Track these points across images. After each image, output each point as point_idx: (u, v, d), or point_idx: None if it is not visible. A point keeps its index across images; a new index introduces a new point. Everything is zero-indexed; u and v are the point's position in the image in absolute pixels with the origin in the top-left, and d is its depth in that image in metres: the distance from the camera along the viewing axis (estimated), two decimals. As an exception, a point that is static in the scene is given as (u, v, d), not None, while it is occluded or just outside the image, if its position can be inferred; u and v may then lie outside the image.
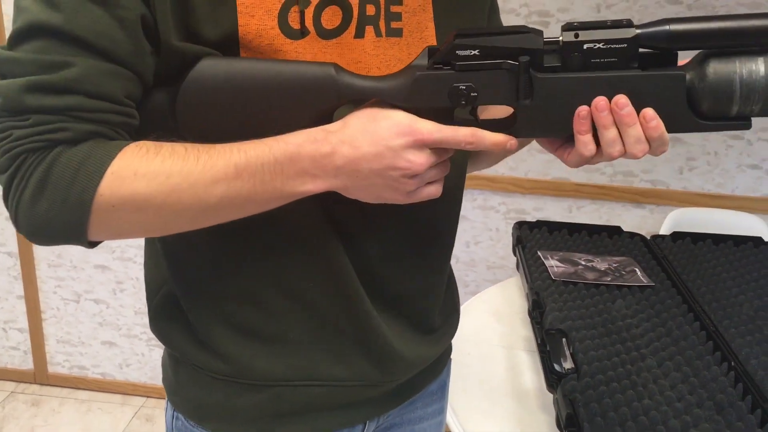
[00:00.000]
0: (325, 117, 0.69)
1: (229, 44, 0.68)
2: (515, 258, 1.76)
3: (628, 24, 0.66)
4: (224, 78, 0.67)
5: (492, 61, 0.67)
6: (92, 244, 0.68)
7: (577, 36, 0.66)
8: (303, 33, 0.70)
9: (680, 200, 2.10)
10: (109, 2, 0.63)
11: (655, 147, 0.67)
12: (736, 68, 0.65)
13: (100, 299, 2.54)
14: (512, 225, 2.17)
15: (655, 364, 1.23)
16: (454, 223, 0.88)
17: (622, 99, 0.65)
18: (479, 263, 2.25)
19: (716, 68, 0.65)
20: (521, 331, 1.48)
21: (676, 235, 1.82)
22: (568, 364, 1.21)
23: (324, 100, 0.68)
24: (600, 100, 0.66)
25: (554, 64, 0.67)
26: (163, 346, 0.87)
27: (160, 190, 0.64)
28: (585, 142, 0.67)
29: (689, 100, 0.67)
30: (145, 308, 2.51)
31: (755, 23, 0.64)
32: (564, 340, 1.28)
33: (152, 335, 2.51)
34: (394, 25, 0.75)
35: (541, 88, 0.67)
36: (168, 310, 0.82)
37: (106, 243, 2.35)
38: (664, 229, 2.02)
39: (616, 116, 0.65)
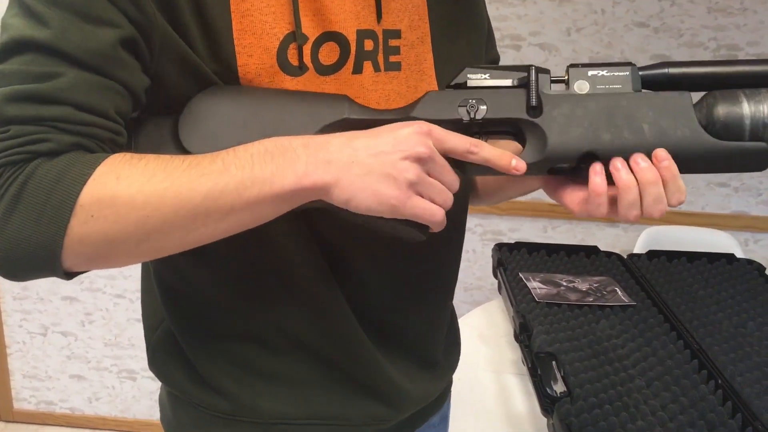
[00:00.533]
0: None
1: (230, 83, 0.67)
2: (494, 279, 1.76)
3: (630, 64, 0.67)
4: (234, 109, 0.66)
5: (501, 83, 0.67)
6: (68, 275, 0.62)
7: (581, 70, 0.67)
8: (302, 69, 0.69)
9: (653, 218, 2.13)
10: (101, 21, 0.61)
11: (670, 196, 0.66)
12: (743, 107, 0.66)
13: (68, 331, 2.47)
14: (488, 246, 2.18)
15: (644, 384, 1.24)
16: (456, 260, 0.87)
17: (662, 152, 0.64)
18: (457, 285, 2.25)
19: (723, 107, 0.66)
20: (508, 354, 1.47)
21: (652, 254, 1.84)
22: (560, 388, 1.21)
23: (335, 128, 0.67)
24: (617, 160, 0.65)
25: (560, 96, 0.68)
26: (160, 384, 0.85)
27: (142, 191, 0.59)
28: (597, 194, 0.65)
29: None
30: (115, 340, 2.45)
31: (749, 69, 0.66)
32: (554, 363, 1.28)
33: (123, 367, 2.45)
34: (392, 59, 0.75)
35: (550, 105, 0.66)
36: (167, 348, 0.80)
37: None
38: (639, 247, 2.05)
39: (659, 167, 0.65)
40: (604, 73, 0.67)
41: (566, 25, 2.00)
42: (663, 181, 0.64)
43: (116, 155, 0.61)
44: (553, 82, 0.67)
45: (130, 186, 0.59)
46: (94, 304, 2.42)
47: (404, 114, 0.67)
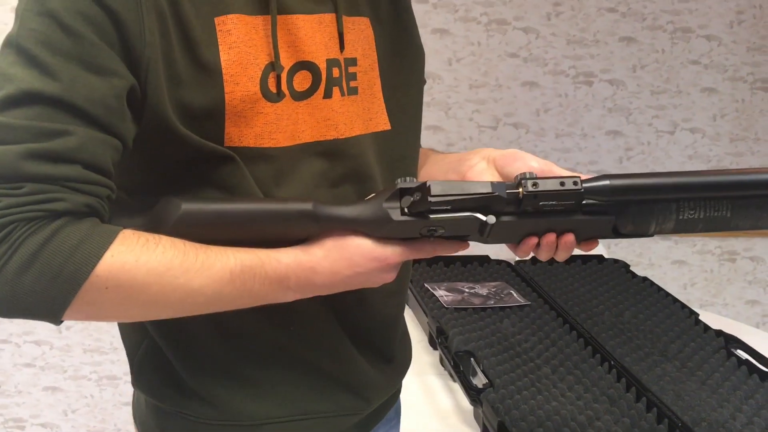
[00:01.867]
0: (308, 239, 0.75)
1: (217, 110, 0.72)
2: (399, 292, 1.87)
3: (577, 177, 0.75)
4: (212, 221, 0.71)
5: (462, 214, 0.73)
6: (60, 322, 0.65)
7: (536, 186, 0.73)
8: (279, 96, 0.75)
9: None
10: (105, 71, 0.64)
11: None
12: (652, 224, 0.76)
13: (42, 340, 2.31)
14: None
15: (550, 371, 1.39)
16: (409, 269, 0.98)
17: (567, 238, 0.76)
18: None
19: (637, 223, 0.76)
20: (424, 357, 1.58)
21: (535, 259, 2.03)
22: (481, 380, 1.33)
23: (306, 233, 0.74)
24: (547, 241, 0.76)
25: (511, 210, 0.74)
26: (137, 403, 0.87)
27: (159, 281, 0.65)
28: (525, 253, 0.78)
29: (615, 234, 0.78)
30: (0, 387, 2.32)
31: (678, 180, 0.76)
32: (472, 359, 1.41)
33: (8, 417, 2.32)
34: (352, 84, 0.83)
35: (500, 227, 0.75)
36: (153, 363, 0.83)
37: None
38: (522, 255, 2.24)
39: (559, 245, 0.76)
40: (553, 203, 0.74)
41: (546, 10, 2.16)
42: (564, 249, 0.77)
43: (128, 232, 0.66)
44: (509, 194, 0.74)
45: (148, 273, 0.65)
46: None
47: (372, 216, 0.74)
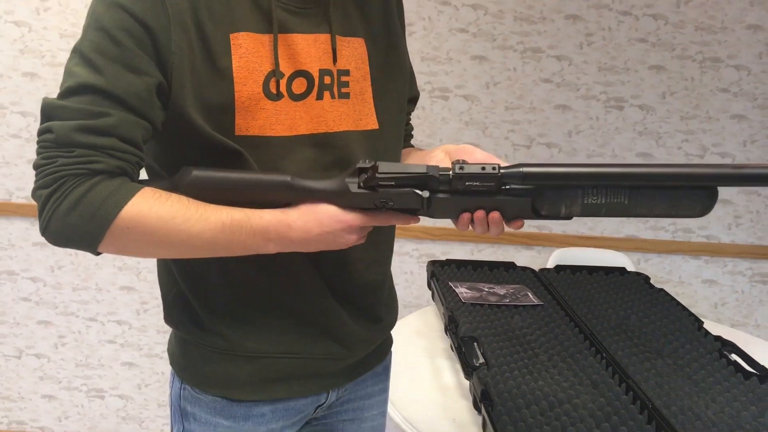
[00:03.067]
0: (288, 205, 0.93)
1: (228, 105, 0.91)
2: (429, 292, 2.04)
3: (497, 165, 0.91)
4: (215, 185, 0.90)
5: (404, 189, 0.92)
6: (98, 254, 0.88)
7: (462, 169, 0.90)
8: (279, 96, 0.95)
9: (561, 242, 2.46)
10: (140, 71, 0.85)
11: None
12: (561, 207, 0.91)
13: (42, 353, 2.61)
14: (424, 268, 2.47)
15: (546, 359, 1.53)
16: (391, 239, 1.15)
17: (495, 215, 0.92)
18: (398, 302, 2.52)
19: (549, 207, 0.91)
20: (439, 344, 1.74)
21: (559, 268, 2.16)
22: (480, 361, 1.49)
23: (286, 199, 0.92)
24: (478, 216, 0.92)
25: (445, 188, 0.92)
26: (170, 337, 1.09)
27: (166, 226, 0.86)
28: (464, 226, 0.94)
29: (534, 214, 0.92)
30: (86, 360, 2.60)
31: (582, 170, 0.90)
32: (475, 344, 1.56)
33: (91, 387, 2.60)
34: (344, 90, 1.01)
35: (437, 202, 0.92)
36: (179, 305, 1.04)
37: (50, 299, 2.46)
38: (550, 264, 2.36)
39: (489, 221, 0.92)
40: (477, 184, 0.91)
41: (485, 79, 2.35)
42: (494, 224, 0.92)
43: (148, 189, 0.86)
44: (441, 176, 0.91)
45: (158, 219, 0.85)
46: (67, 327, 2.58)
47: (337, 188, 0.92)
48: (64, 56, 2.34)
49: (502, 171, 0.90)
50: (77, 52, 0.86)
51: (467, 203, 0.91)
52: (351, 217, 0.92)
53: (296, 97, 0.97)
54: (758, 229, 2.49)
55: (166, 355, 2.60)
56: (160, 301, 2.54)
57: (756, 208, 2.47)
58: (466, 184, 0.91)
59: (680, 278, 2.53)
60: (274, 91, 0.94)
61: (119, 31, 0.84)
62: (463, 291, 1.90)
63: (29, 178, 2.42)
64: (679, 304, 1.92)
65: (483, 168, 0.90)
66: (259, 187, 0.91)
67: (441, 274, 2.06)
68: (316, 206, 0.92)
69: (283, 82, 0.95)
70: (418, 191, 0.91)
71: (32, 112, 2.40)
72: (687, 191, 0.89)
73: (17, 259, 2.52)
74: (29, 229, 2.49)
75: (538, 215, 0.92)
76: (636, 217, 0.91)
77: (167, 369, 2.62)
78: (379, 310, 1.13)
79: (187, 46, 0.88)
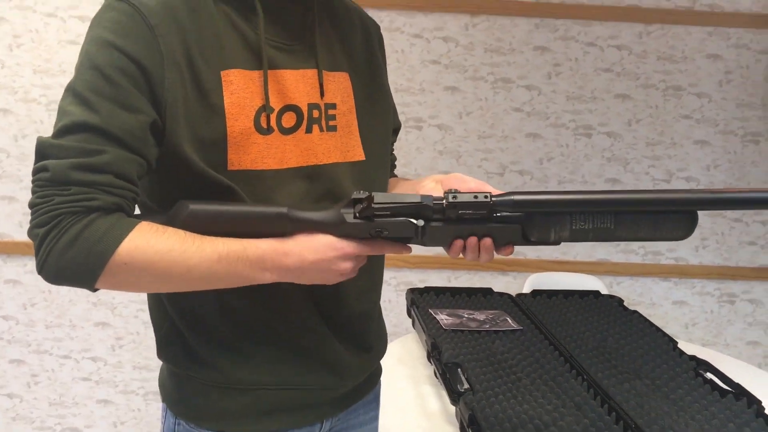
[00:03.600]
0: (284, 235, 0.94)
1: (221, 140, 0.92)
2: (408, 320, 2.05)
3: (489, 194, 0.94)
4: (212, 218, 0.91)
5: (399, 219, 0.94)
6: (95, 290, 0.87)
7: (455, 198, 0.93)
8: (269, 130, 0.96)
9: (536, 267, 2.50)
10: (134, 109, 0.85)
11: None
12: (551, 232, 0.94)
13: (14, 393, 2.55)
14: (402, 295, 2.48)
15: (529, 383, 1.54)
16: (381, 268, 1.17)
17: (487, 242, 0.94)
18: (375, 331, 2.52)
19: (539, 233, 0.95)
20: (422, 371, 1.75)
21: (535, 292, 2.18)
22: (465, 386, 1.50)
23: (283, 230, 0.93)
24: (470, 243, 0.94)
25: (438, 217, 0.94)
26: (161, 371, 1.08)
27: (163, 259, 0.86)
28: (456, 253, 0.96)
29: (525, 240, 0.96)
30: (60, 399, 2.55)
31: (570, 198, 0.94)
32: (459, 369, 1.57)
33: (66, 426, 2.54)
34: (331, 123, 1.03)
35: (430, 231, 0.94)
36: (172, 339, 1.02)
37: (22, 338, 2.41)
38: (526, 289, 2.40)
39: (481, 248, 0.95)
40: (470, 212, 0.94)
41: (458, 109, 2.40)
42: (485, 251, 0.95)
43: (145, 224, 0.87)
44: (435, 205, 0.94)
45: (156, 253, 0.85)
46: (40, 366, 2.53)
47: (333, 218, 0.93)
48: (37, 92, 2.33)
49: (493, 199, 0.93)
50: (71, 91, 0.86)
51: (460, 231, 0.93)
52: (346, 245, 0.93)
53: (286, 131, 0.98)
54: (724, 250, 2.56)
55: (142, 391, 2.57)
56: (135, 336, 2.51)
57: (721, 230, 2.54)
58: (459, 212, 0.93)
59: (651, 300, 2.58)
60: (264, 125, 0.95)
61: (113, 69, 0.85)
62: (443, 318, 1.91)
63: (1, 214, 2.39)
64: (653, 325, 1.96)
65: (475, 197, 0.92)
66: (256, 219, 0.91)
67: (420, 301, 2.07)
68: (313, 236, 0.93)
69: (273, 117, 0.96)
70: (412, 220, 0.93)
71: (5, 149, 2.37)
72: (669, 216, 0.92)
73: (-12, 297, 2.47)
74: (0, 267, 2.44)
75: (528, 241, 0.94)
76: (621, 241, 0.94)
77: (143, 406, 2.58)
78: (370, 339, 1.14)
79: (179, 84, 0.89)
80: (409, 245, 0.96)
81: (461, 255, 0.96)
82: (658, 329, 1.91)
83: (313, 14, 1.01)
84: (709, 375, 1.63)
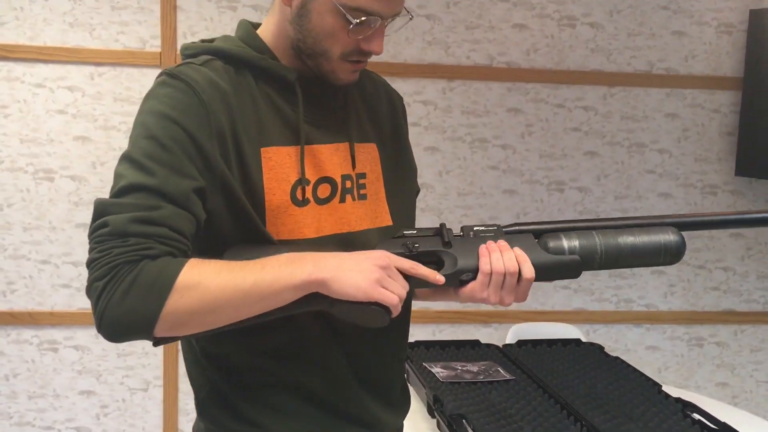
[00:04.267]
0: None
1: (259, 213, 0.98)
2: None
3: (497, 225, 1.06)
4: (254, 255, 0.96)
5: (427, 234, 1.04)
6: (156, 342, 0.90)
7: (470, 226, 1.05)
8: (305, 202, 1.02)
9: (516, 317, 2.58)
10: (186, 175, 0.92)
11: (523, 288, 1.01)
12: (563, 242, 1.05)
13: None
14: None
15: (530, 430, 1.60)
16: (405, 332, 1.20)
17: (503, 243, 1.02)
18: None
19: (553, 243, 1.05)
20: (423, 424, 1.78)
21: (521, 342, 2.26)
22: (472, 437, 1.54)
23: None
24: (491, 243, 1.02)
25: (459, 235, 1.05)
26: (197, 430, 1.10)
27: (214, 282, 0.88)
28: (485, 265, 1.01)
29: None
30: None
31: (570, 225, 1.07)
32: (464, 421, 1.62)
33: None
34: (362, 192, 1.09)
35: (455, 243, 1.03)
36: (213, 399, 1.06)
37: (4, 410, 2.35)
38: (509, 339, 2.47)
39: (501, 247, 1.02)
40: (482, 228, 1.05)
41: (438, 168, 2.50)
42: (516, 268, 1.01)
43: (194, 259, 0.91)
44: (455, 236, 1.04)
45: (206, 278, 0.89)
46: None
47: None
48: (24, 161, 2.35)
49: (504, 229, 1.05)
50: (127, 158, 0.92)
51: (481, 240, 1.03)
52: (380, 251, 0.97)
53: (322, 201, 1.04)
54: (690, 296, 2.69)
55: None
56: (121, 403, 2.48)
57: (687, 277, 2.68)
58: (474, 229, 1.04)
59: (626, 346, 2.69)
60: (300, 197, 1.01)
61: (168, 139, 0.91)
62: (438, 371, 1.96)
63: (-16, 282, 2.36)
64: (636, 370, 2.05)
65: (488, 226, 1.05)
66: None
67: (413, 355, 2.12)
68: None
69: (309, 189, 1.02)
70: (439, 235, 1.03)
71: (-11, 216, 2.37)
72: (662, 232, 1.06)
73: (-32, 367, 2.42)
74: (-19, 336, 2.40)
75: (545, 248, 1.03)
76: (624, 254, 1.05)
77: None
78: (397, 396, 1.18)
79: (224, 157, 0.95)
80: (440, 276, 1.00)
81: (488, 277, 1.00)
82: (641, 374, 2.00)
83: (345, 92, 1.08)
84: (696, 415, 1.72)
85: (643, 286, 2.65)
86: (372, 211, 1.11)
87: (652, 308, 2.67)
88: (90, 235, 0.90)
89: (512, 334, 2.50)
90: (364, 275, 0.93)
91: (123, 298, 0.85)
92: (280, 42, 1.04)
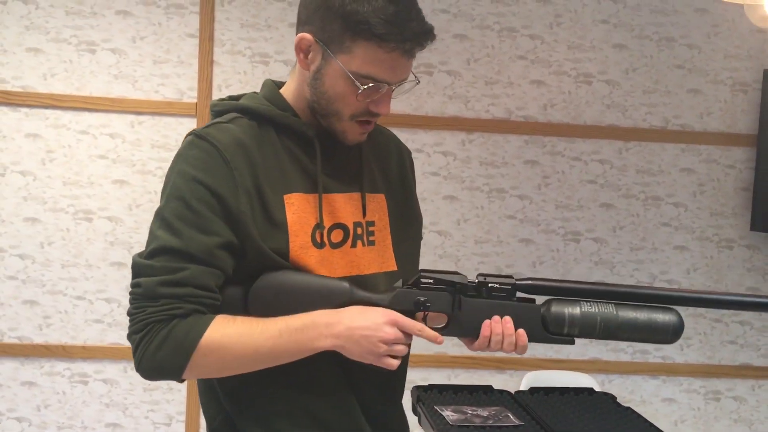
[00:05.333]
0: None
1: (282, 253, 1.08)
2: (415, 417, 2.14)
3: (511, 277, 1.13)
4: (279, 286, 1.07)
5: (440, 286, 1.11)
6: (182, 381, 1.04)
7: (485, 278, 1.12)
8: (322, 245, 1.11)
9: (531, 365, 2.61)
10: (211, 233, 1.03)
11: (520, 350, 1.11)
12: (565, 309, 1.12)
13: None
14: (407, 393, 2.56)
15: (535, 475, 1.64)
16: (404, 372, 1.30)
17: (508, 323, 1.10)
18: (379, 429, 2.60)
19: (555, 308, 1.12)
20: (432, 466, 1.83)
21: (533, 390, 2.29)
22: (477, 480, 1.59)
23: (342, 303, 1.08)
24: (496, 319, 1.09)
25: (472, 293, 1.12)
26: None
27: (236, 344, 1.03)
28: (485, 338, 1.10)
29: (542, 322, 1.12)
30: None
31: (578, 286, 1.14)
32: (471, 463, 1.67)
33: None
34: (371, 238, 1.18)
35: (465, 304, 1.11)
36: (226, 427, 1.14)
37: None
38: (523, 386, 2.50)
39: (504, 330, 1.10)
40: (496, 285, 1.12)
41: (456, 217, 2.59)
42: (518, 344, 1.11)
43: (219, 317, 1.03)
44: (469, 283, 1.11)
45: (229, 341, 1.03)
46: None
47: (387, 299, 1.09)
48: (65, 202, 2.49)
49: (516, 282, 1.12)
50: (159, 216, 1.05)
51: (489, 307, 1.10)
52: (391, 312, 1.06)
53: (335, 245, 1.14)
54: (707, 349, 2.70)
55: None
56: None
57: (703, 330, 2.69)
58: (489, 284, 1.11)
59: (642, 397, 2.69)
60: (318, 240, 1.11)
61: (195, 200, 1.03)
62: (449, 414, 2.01)
63: (22, 318, 2.49)
64: (646, 421, 2.06)
65: (505, 277, 1.13)
66: (321, 291, 1.07)
67: (425, 398, 2.16)
68: (365, 308, 1.07)
69: (324, 233, 1.12)
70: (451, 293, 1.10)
71: (30, 255, 2.51)
72: (660, 312, 1.11)
73: None
74: (18, 369, 2.52)
75: (545, 328, 1.11)
76: (621, 337, 1.10)
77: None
78: (395, 423, 1.26)
79: (249, 207, 1.06)
80: (441, 337, 1.10)
81: (487, 343, 1.09)
82: (651, 425, 2.02)
83: (358, 146, 1.18)
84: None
85: (660, 338, 2.67)
86: (380, 257, 1.20)
87: (668, 360, 2.68)
88: (130, 289, 1.04)
89: (527, 381, 2.54)
90: (371, 350, 1.06)
91: (156, 353, 1.01)
92: (299, 101, 1.15)
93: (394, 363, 1.08)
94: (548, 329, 1.12)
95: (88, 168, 2.50)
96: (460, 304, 1.10)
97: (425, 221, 2.53)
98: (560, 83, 2.58)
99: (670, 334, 1.11)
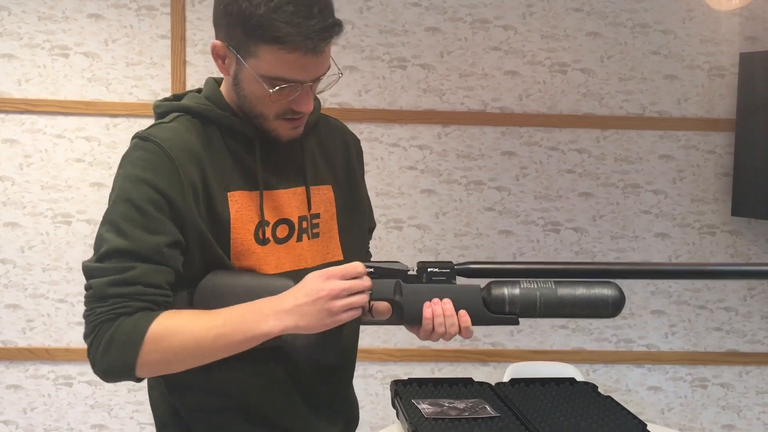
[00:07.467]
0: None
1: (225, 249, 1.07)
2: (394, 412, 2.11)
3: (450, 262, 1.12)
4: (223, 287, 1.07)
5: (382, 275, 1.09)
6: (139, 380, 1.01)
7: (424, 265, 1.11)
8: (266, 242, 1.11)
9: (515, 357, 2.59)
10: (158, 232, 1.02)
11: (464, 332, 1.09)
12: (505, 289, 1.11)
13: None
14: (388, 388, 2.55)
15: (506, 466, 1.62)
16: (352, 361, 1.28)
17: (447, 303, 1.08)
18: (363, 425, 2.57)
19: (495, 289, 1.11)
20: (405, 459, 1.81)
21: (514, 381, 2.26)
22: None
23: None
24: (435, 301, 1.08)
25: (413, 281, 1.11)
26: None
27: (180, 333, 1.01)
28: (428, 320, 1.08)
29: (484, 304, 1.11)
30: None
31: (518, 267, 1.14)
32: (439, 455, 1.64)
33: None
34: (315, 231, 1.17)
35: (406, 290, 1.10)
36: (169, 421, 1.15)
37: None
38: (506, 378, 2.48)
39: (444, 311, 1.08)
40: (436, 270, 1.11)
41: (434, 210, 2.56)
42: (461, 327, 1.08)
43: (164, 312, 1.01)
44: (409, 274, 1.11)
45: (173, 334, 1.01)
46: None
47: None
48: (44, 206, 2.48)
49: (456, 266, 1.10)
50: (107, 220, 1.04)
51: (429, 290, 1.09)
52: (329, 268, 1.03)
53: (280, 241, 1.13)
54: (692, 336, 2.66)
55: None
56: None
57: (688, 317, 2.65)
58: (428, 270, 1.10)
59: (627, 386, 2.66)
60: (261, 237, 1.10)
61: (143, 201, 1.02)
62: (425, 407, 1.99)
63: (5, 322, 2.48)
64: (624, 409, 2.04)
65: (443, 263, 1.12)
66: (268, 289, 1.06)
67: (404, 392, 2.15)
68: (300, 282, 1.04)
69: (268, 229, 1.11)
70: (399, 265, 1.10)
71: (11, 259, 2.50)
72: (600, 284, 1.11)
73: (-12, 401, 2.52)
74: (2, 372, 2.51)
75: (486, 306, 1.10)
76: (563, 313, 1.09)
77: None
78: (343, 407, 1.27)
79: (195, 204, 1.05)
80: (370, 304, 1.08)
81: (431, 327, 1.06)
82: (628, 412, 1.99)
83: (300, 141, 1.17)
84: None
85: (643, 326, 2.64)
86: (324, 248, 1.19)
87: (653, 348, 2.65)
88: (85, 292, 1.03)
89: (509, 372, 2.51)
90: (326, 313, 1.02)
91: (105, 353, 1.00)
92: (234, 101, 1.14)
93: (356, 313, 1.03)
94: (490, 310, 1.10)
95: (66, 171, 2.49)
96: (401, 291, 1.09)
97: (403, 215, 2.52)
98: (535, 73, 2.55)
99: (610, 307, 1.10)
